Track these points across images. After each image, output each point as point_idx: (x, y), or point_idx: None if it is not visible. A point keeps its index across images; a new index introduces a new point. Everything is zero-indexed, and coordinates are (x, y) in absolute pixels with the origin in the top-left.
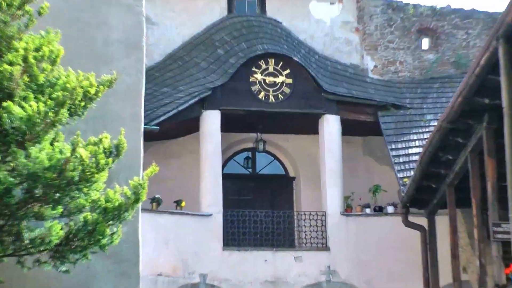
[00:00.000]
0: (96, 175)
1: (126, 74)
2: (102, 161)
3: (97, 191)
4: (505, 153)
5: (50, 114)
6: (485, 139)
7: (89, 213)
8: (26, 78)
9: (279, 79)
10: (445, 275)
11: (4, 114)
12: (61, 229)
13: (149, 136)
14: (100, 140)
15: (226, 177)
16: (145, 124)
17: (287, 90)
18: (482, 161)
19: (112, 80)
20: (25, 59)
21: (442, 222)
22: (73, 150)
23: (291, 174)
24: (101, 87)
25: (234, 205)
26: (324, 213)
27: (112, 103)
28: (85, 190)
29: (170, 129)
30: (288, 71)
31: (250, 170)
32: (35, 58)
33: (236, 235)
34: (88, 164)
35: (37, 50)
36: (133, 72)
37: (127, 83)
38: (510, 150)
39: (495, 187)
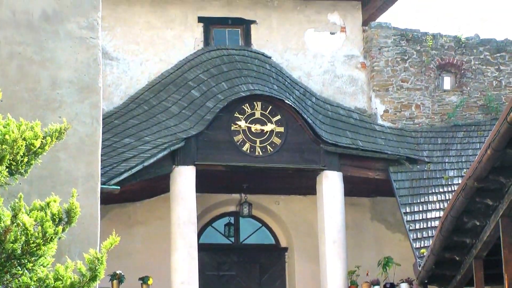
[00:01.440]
0: (43, 247)
1: (79, 122)
2: (50, 230)
3: (44, 267)
4: None
5: None
6: None
7: None
8: None
9: (268, 127)
10: None
11: None
12: None
13: (108, 199)
14: (48, 204)
15: (202, 249)
16: (102, 184)
17: (277, 140)
18: None
19: (62, 130)
20: None
21: None
22: (14, 217)
23: (283, 244)
24: (48, 138)
25: (213, 283)
26: None
27: (62, 159)
28: (29, 265)
29: (134, 189)
30: (278, 117)
31: (233, 239)
32: None
33: None
34: (33, 234)
35: None
36: (88, 120)
37: (80, 133)
38: None
39: None
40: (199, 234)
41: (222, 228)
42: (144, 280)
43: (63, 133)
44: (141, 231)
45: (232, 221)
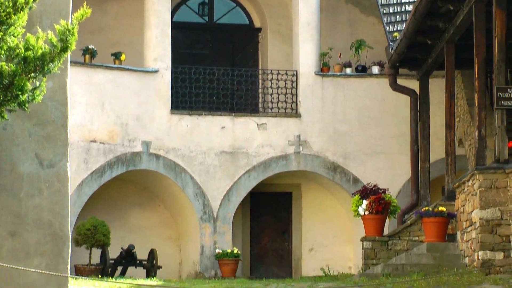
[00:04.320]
0: (13, 17)
1: None
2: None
3: (15, 36)
4: None
5: None
6: None
7: (4, 63)
8: None
9: None
10: (437, 148)
11: None
12: None
13: None
14: None
15: (176, 26)
16: None
17: None
18: (489, 13)
19: None
20: None
21: (437, 86)
22: None
23: (257, 24)
24: None
25: (186, 60)
26: (295, 72)
27: None
28: None
29: None
30: None
31: (207, 18)
32: None
33: (188, 97)
34: (3, 3)
35: None
36: None
37: None
38: None
39: (502, 45)
40: (173, 12)
41: (196, 7)
42: (116, 55)
43: None
44: (115, 7)
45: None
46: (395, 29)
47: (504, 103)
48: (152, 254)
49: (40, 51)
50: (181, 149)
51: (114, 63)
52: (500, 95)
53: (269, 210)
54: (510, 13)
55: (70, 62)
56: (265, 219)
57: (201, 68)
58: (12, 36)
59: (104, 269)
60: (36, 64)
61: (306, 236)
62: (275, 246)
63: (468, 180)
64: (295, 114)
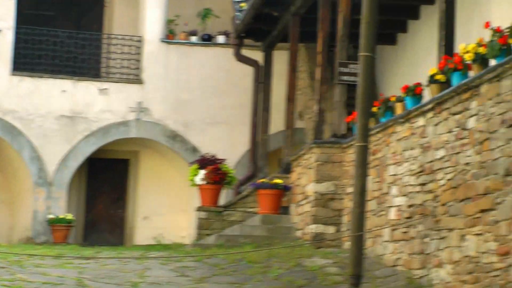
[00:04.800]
0: None
1: None
2: None
3: None
4: None
5: None
6: None
7: None
8: None
9: None
10: (278, 120)
11: None
12: None
13: None
14: None
15: None
16: None
17: None
18: None
19: None
20: None
21: (280, 59)
22: None
23: None
24: None
25: (30, 21)
26: (140, 38)
27: None
28: None
29: None
30: None
31: None
32: None
33: (29, 58)
34: None
35: None
36: None
37: None
38: None
39: (347, 20)
40: None
41: None
42: None
43: None
44: None
45: None
46: None
47: (345, 77)
48: None
49: None
50: (20, 112)
51: None
52: (341, 70)
53: (106, 177)
54: None
55: None
56: (101, 186)
57: (45, 30)
58: None
59: None
60: None
61: (141, 204)
62: (109, 213)
63: (305, 154)
64: (138, 80)
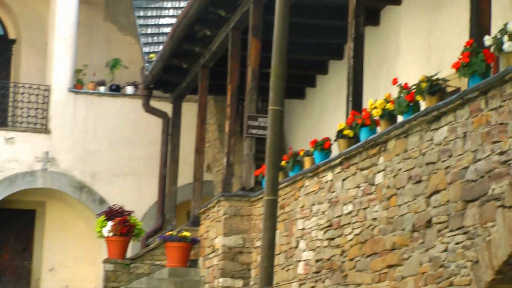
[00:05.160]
0: None
1: None
2: None
3: None
4: (273, 34)
5: None
6: (252, 15)
7: None
8: None
9: None
10: (186, 172)
11: None
12: None
13: None
14: None
15: None
16: None
17: None
18: (245, 41)
19: None
20: None
21: (189, 111)
22: None
23: (12, 36)
24: None
25: None
26: (48, 87)
27: None
28: None
29: None
30: None
31: None
32: None
33: None
34: None
35: None
36: None
37: None
38: (279, 30)
39: (256, 73)
40: None
41: None
42: None
43: None
44: None
45: None
46: (152, 50)
47: (254, 131)
48: None
49: None
50: None
51: None
52: (250, 123)
53: (11, 227)
54: (265, 42)
55: None
56: (6, 236)
57: None
58: None
59: None
60: None
61: (47, 256)
62: (14, 265)
63: (214, 207)
64: (45, 130)
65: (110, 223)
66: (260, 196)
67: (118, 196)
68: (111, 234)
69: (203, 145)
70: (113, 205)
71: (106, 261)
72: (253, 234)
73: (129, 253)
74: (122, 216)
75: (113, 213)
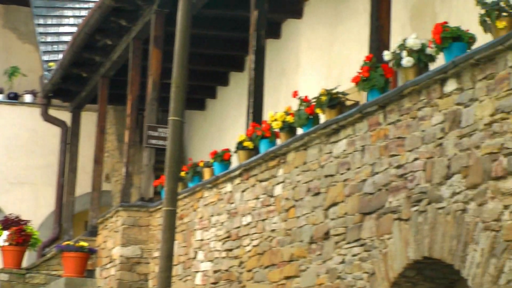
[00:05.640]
0: None
1: None
2: None
3: None
4: (175, 45)
5: None
6: (153, 25)
7: None
8: None
9: None
10: (85, 182)
11: None
12: None
13: None
14: None
15: None
16: None
17: None
18: (146, 52)
19: None
20: None
21: (89, 120)
22: None
23: None
24: None
25: None
26: None
27: None
28: None
29: None
30: None
31: None
32: None
33: None
34: None
35: None
36: None
37: None
38: (180, 41)
39: (157, 83)
40: None
41: None
42: None
43: None
44: None
45: None
46: (51, 59)
47: (154, 141)
48: None
49: None
50: None
51: None
52: (150, 133)
53: None
54: (166, 53)
55: None
56: None
57: None
58: None
59: None
60: None
61: None
62: None
63: (112, 217)
64: None
65: (6, 233)
66: (159, 207)
67: (15, 205)
68: (6, 243)
69: (102, 155)
70: (9, 214)
71: (1, 271)
72: (151, 245)
73: (25, 263)
74: (19, 226)
75: (9, 222)
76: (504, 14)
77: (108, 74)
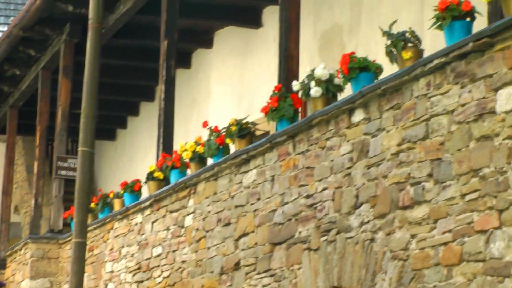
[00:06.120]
0: None
1: None
2: None
3: None
4: (84, 75)
5: None
6: (63, 55)
7: None
8: None
9: None
10: None
11: None
12: None
13: None
14: None
15: None
16: None
17: None
18: (55, 81)
19: None
20: None
21: None
22: None
23: None
24: None
25: None
26: None
27: None
28: None
29: None
30: None
31: None
32: None
33: None
34: None
35: None
36: None
37: None
38: (90, 71)
39: (66, 114)
40: None
41: None
42: None
43: None
44: None
45: None
46: None
47: (63, 172)
48: None
49: None
50: None
51: None
52: (59, 164)
53: None
54: (75, 83)
55: None
56: None
57: None
58: None
59: None
60: None
61: None
62: None
63: (21, 249)
64: None
65: None
66: (69, 238)
67: None
68: None
69: (11, 186)
70: None
71: None
72: (61, 277)
73: None
74: None
75: None
76: (410, 45)
77: (17, 104)
